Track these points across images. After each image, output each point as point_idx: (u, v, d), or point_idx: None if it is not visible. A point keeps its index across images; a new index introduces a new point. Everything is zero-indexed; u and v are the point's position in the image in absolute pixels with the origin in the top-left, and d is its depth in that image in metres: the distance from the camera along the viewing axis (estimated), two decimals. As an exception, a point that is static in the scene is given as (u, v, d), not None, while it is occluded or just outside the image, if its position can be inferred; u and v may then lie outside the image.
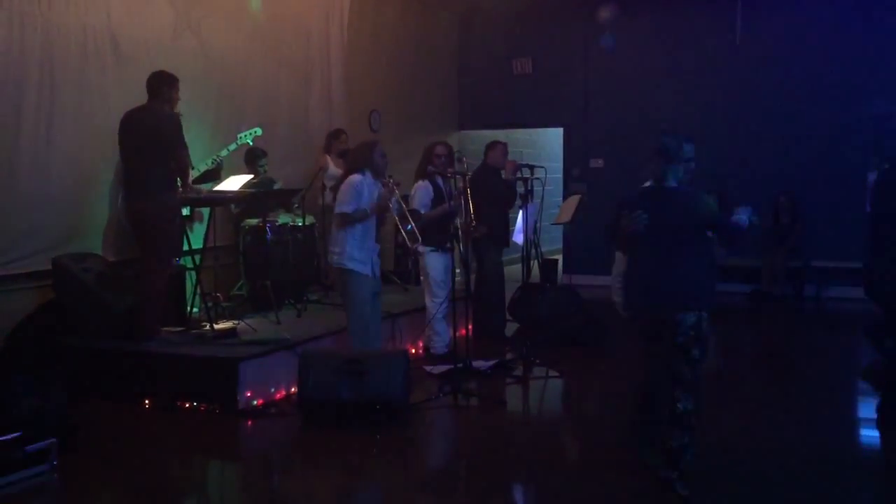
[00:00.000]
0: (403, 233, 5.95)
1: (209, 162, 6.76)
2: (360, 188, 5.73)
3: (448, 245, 6.77)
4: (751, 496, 4.20)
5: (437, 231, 6.69)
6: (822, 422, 5.46)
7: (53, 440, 4.48)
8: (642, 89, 10.90)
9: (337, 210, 5.78)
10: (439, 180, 6.81)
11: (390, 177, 5.86)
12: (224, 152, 6.83)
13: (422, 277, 7.12)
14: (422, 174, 6.85)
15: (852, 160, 9.82)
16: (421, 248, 6.87)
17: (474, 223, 6.43)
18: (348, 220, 5.72)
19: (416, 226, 5.98)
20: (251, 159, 7.49)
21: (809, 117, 9.99)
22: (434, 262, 6.86)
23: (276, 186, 7.50)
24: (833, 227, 9.73)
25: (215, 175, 6.81)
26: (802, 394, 6.14)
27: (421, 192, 6.78)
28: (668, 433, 4.12)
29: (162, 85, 5.91)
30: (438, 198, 6.79)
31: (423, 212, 6.71)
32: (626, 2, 10.66)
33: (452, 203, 6.66)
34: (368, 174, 5.81)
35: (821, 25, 10.00)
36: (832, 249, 9.59)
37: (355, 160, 5.92)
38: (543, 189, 7.35)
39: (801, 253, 9.81)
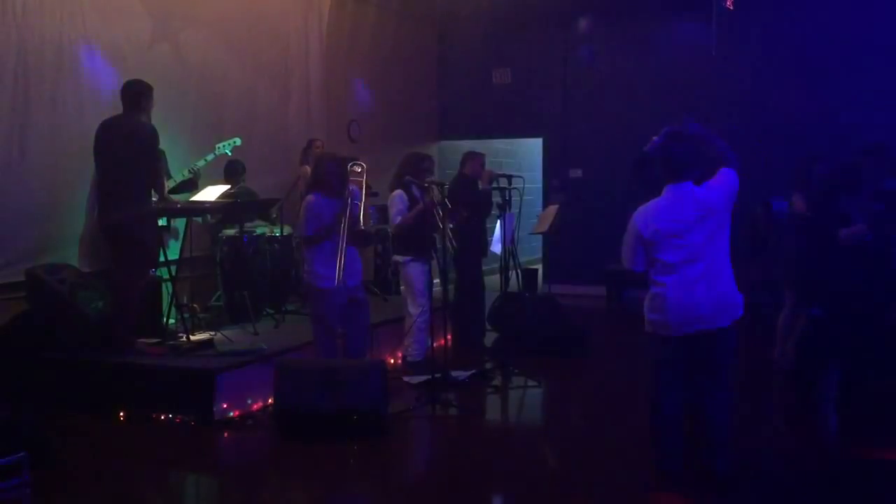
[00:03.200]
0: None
1: (185, 172, 6.72)
2: (317, 210, 5.59)
3: (428, 254, 6.74)
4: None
5: (416, 240, 6.67)
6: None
7: (24, 454, 4.41)
8: (621, 99, 10.96)
9: (296, 233, 5.73)
10: (415, 190, 6.79)
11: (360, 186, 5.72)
12: (201, 162, 6.80)
13: (402, 287, 7.10)
14: (397, 184, 6.83)
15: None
16: (401, 259, 6.88)
17: (450, 207, 6.32)
18: (309, 242, 5.67)
19: (392, 231, 6.02)
20: (232, 172, 7.44)
21: (786, 128, 10.06)
22: (415, 272, 6.84)
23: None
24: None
25: (192, 185, 6.78)
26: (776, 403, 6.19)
27: (396, 200, 6.76)
28: None
29: (137, 94, 5.87)
30: (414, 206, 6.77)
31: (398, 219, 6.70)
32: (605, 13, 10.73)
33: (426, 201, 6.57)
34: (323, 192, 5.67)
35: (797, 36, 10.10)
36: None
37: (311, 179, 5.89)
38: (521, 198, 7.36)
39: (776, 263, 9.85)
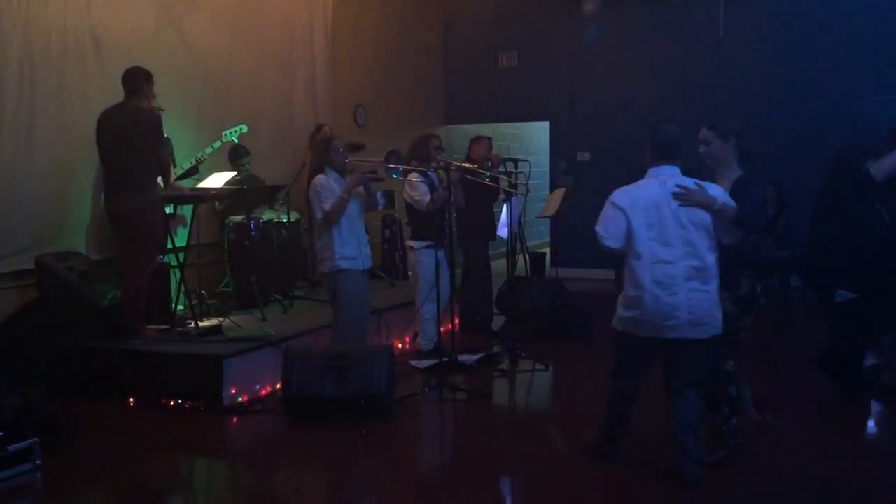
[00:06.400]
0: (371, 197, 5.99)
1: (192, 160, 6.73)
2: (327, 185, 5.65)
3: (444, 241, 6.65)
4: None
5: (434, 226, 6.58)
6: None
7: (36, 439, 4.46)
8: (628, 82, 10.91)
9: (317, 215, 5.69)
10: (430, 172, 6.72)
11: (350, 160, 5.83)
12: (208, 150, 6.81)
13: (410, 272, 7.07)
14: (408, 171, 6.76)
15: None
16: (416, 244, 6.82)
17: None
18: (332, 216, 5.64)
19: (427, 207, 6.37)
20: (234, 157, 7.46)
21: (794, 107, 10.01)
22: (427, 260, 6.71)
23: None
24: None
25: (194, 171, 6.77)
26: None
27: (416, 183, 6.66)
28: None
29: (138, 81, 5.85)
30: (430, 188, 6.71)
31: (427, 199, 6.59)
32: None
33: (440, 191, 6.55)
34: (332, 172, 5.74)
35: (804, 16, 10.03)
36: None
37: (314, 163, 5.85)
38: (528, 182, 7.33)
39: (787, 243, 9.83)
